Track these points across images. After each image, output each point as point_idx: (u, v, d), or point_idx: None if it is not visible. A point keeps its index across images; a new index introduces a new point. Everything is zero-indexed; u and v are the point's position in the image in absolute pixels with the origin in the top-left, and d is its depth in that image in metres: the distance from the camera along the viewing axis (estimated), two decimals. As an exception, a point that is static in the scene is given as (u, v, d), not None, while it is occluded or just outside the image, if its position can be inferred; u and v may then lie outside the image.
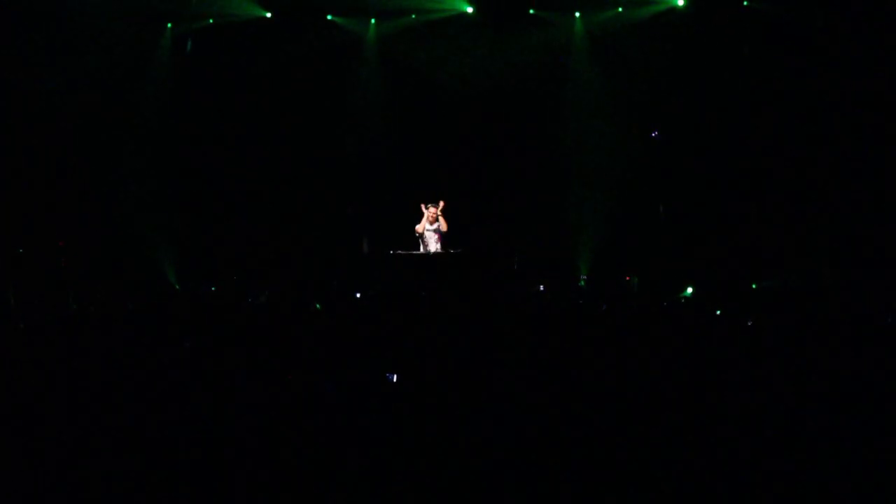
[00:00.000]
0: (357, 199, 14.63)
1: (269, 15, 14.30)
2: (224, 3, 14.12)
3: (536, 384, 4.52)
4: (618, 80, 13.71)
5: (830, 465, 3.51)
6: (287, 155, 14.49)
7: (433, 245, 11.91)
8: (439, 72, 14.06)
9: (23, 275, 12.38)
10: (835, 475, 3.44)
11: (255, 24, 14.33)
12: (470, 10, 14.00)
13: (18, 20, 13.50)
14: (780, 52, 12.88)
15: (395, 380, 4.79)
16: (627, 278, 12.96)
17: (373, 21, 14.46)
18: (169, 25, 14.53)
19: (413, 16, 14.19)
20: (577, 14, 14.02)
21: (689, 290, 11.69)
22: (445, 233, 11.97)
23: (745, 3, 13.13)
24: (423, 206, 12.08)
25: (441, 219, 11.94)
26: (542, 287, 11.68)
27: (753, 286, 12.00)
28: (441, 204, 11.99)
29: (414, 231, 12.10)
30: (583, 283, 13.31)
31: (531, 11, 14.03)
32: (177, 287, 13.80)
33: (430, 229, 11.91)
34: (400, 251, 12.06)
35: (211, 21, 14.37)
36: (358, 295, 10.66)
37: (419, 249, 12.07)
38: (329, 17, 14.38)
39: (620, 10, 13.68)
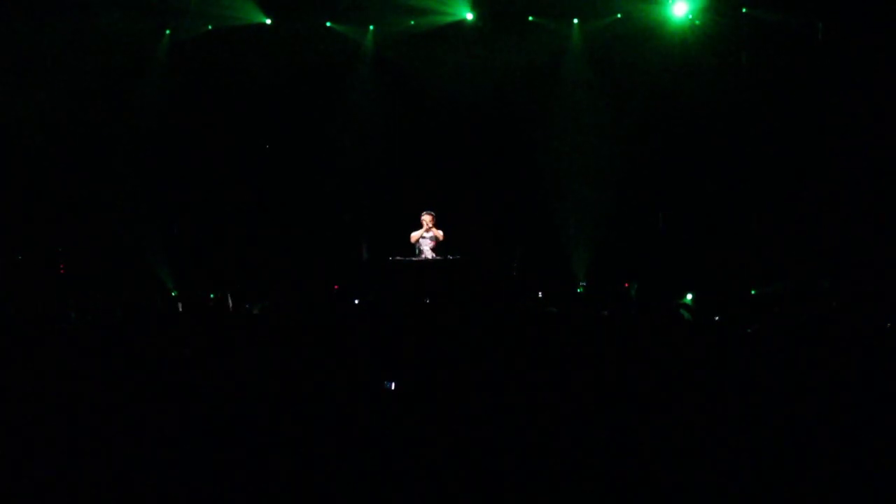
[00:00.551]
0: (356, 205, 14.62)
1: (268, 21, 14.32)
2: (223, 8, 14.13)
3: (536, 389, 4.52)
4: (616, 86, 13.73)
5: (830, 469, 3.51)
6: (285, 161, 14.50)
7: (427, 253, 11.83)
8: (438, 78, 14.07)
9: (21, 281, 12.37)
10: (835, 477, 3.45)
11: (254, 30, 14.34)
12: (470, 16, 14.03)
13: (16, 25, 13.51)
14: (778, 60, 12.90)
15: (392, 388, 4.78)
16: (626, 285, 12.96)
17: (371, 27, 14.47)
18: (167, 31, 14.55)
19: (412, 21, 14.20)
20: (576, 21, 14.05)
21: (689, 296, 11.69)
22: (441, 242, 11.74)
23: (743, 10, 13.16)
24: (423, 214, 11.87)
25: (434, 230, 11.75)
26: (540, 294, 11.67)
27: (753, 292, 12.00)
28: (432, 215, 11.75)
29: (409, 238, 11.89)
30: (581, 289, 13.31)
31: (530, 18, 14.05)
32: (174, 294, 13.78)
33: (427, 237, 11.84)
34: (399, 257, 12.03)
35: (210, 27, 14.39)
36: (357, 301, 10.64)
37: (417, 256, 12.02)
38: (328, 24, 14.40)
39: (619, 15, 13.71)
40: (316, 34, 14.33)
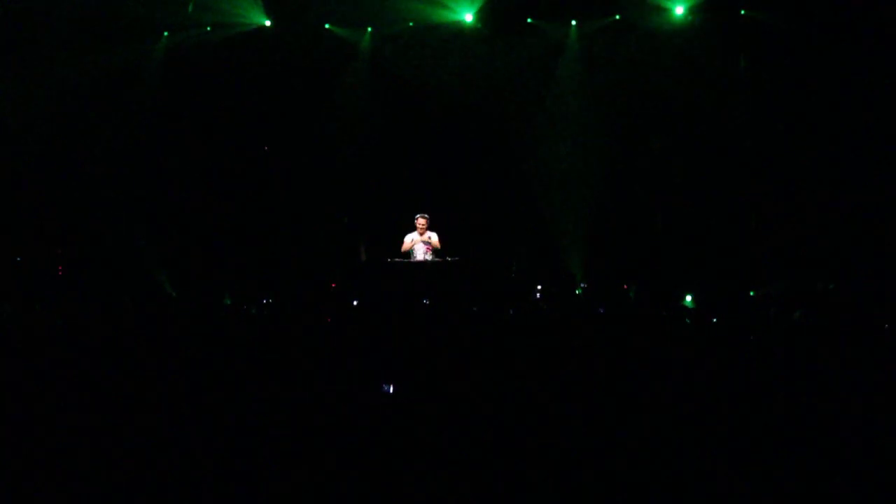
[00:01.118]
0: (354, 206, 14.61)
1: (268, 23, 14.33)
2: (222, 11, 14.14)
3: (536, 388, 4.52)
4: (615, 88, 13.74)
5: (829, 468, 3.51)
6: (283, 163, 14.51)
7: (421, 256, 11.66)
8: (436, 80, 14.08)
9: (20, 283, 12.36)
10: (834, 478, 3.44)
11: (252, 32, 14.36)
12: (470, 17, 14.04)
13: (14, 28, 13.51)
14: (777, 62, 12.92)
15: (390, 390, 4.78)
16: (625, 287, 12.96)
17: (369, 30, 14.48)
18: (165, 34, 14.56)
19: (411, 23, 14.21)
20: (574, 23, 14.06)
21: (689, 298, 11.70)
22: (437, 248, 11.52)
23: (742, 12, 13.17)
24: (417, 217, 11.59)
25: (429, 232, 11.53)
26: (538, 294, 11.64)
27: (752, 294, 12.01)
28: (427, 218, 11.53)
29: (403, 242, 11.61)
30: (580, 291, 13.30)
31: (528, 20, 14.07)
32: (173, 295, 13.77)
33: (421, 240, 11.71)
34: (398, 259, 11.98)
35: (209, 29, 14.40)
36: (355, 302, 10.62)
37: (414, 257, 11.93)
38: (327, 27, 14.41)
39: (618, 17, 13.72)
40: (315, 36, 14.35)
